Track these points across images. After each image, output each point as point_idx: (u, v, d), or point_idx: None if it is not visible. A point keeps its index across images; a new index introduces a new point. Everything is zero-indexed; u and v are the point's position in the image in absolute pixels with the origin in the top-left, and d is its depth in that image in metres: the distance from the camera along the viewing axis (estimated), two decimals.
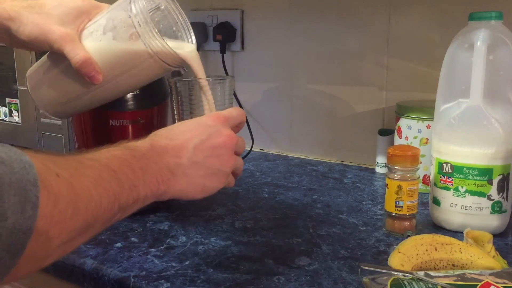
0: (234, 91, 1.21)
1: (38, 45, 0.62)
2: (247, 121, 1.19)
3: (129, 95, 0.79)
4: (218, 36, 1.19)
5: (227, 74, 1.21)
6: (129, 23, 0.60)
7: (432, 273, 0.52)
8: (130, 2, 0.60)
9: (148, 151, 0.50)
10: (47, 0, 0.62)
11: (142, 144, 0.51)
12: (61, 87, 0.67)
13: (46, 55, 0.68)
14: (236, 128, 0.59)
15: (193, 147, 0.53)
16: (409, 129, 0.89)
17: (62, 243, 0.39)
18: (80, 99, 0.67)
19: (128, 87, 0.68)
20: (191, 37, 0.67)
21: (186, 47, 0.65)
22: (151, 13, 0.63)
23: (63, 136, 1.05)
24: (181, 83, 0.66)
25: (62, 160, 0.42)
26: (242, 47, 1.21)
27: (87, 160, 0.44)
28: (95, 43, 0.61)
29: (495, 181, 0.68)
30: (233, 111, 0.59)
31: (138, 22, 0.60)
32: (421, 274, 0.52)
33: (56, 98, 0.68)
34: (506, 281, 0.51)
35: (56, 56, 0.64)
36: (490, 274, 0.52)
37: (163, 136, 0.53)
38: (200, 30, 1.23)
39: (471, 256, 0.58)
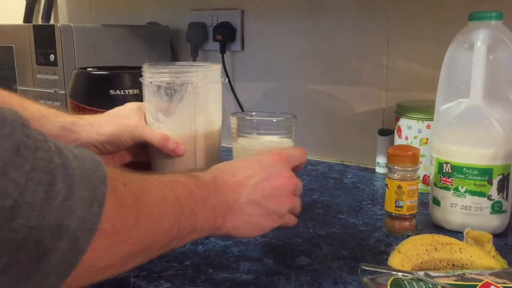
0: (236, 95, 1.21)
1: (119, 140, 0.67)
2: None
3: (129, 95, 0.79)
4: (218, 36, 1.19)
5: (227, 74, 1.21)
6: (154, 85, 0.69)
7: (432, 273, 0.52)
8: (143, 77, 0.71)
9: (210, 183, 0.51)
10: (110, 110, 0.70)
11: (205, 175, 0.52)
12: None
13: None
14: (296, 168, 0.60)
15: (253, 186, 0.53)
16: (409, 129, 0.89)
17: (120, 256, 0.39)
18: None
19: (208, 129, 0.72)
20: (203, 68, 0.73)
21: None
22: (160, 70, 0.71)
23: None
24: (243, 120, 0.71)
25: (129, 174, 0.43)
26: (242, 47, 1.21)
27: (153, 179, 0.46)
28: (154, 127, 0.70)
29: (495, 181, 0.68)
30: (296, 151, 0.60)
31: (152, 79, 0.69)
32: (421, 274, 0.52)
33: None
34: (506, 281, 0.51)
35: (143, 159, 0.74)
36: (490, 274, 0.52)
37: (225, 171, 0.54)
38: (200, 30, 1.23)
39: (471, 256, 0.58)
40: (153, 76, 0.70)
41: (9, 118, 0.32)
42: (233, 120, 0.70)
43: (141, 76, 0.72)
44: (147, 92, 0.71)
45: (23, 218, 0.31)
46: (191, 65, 0.77)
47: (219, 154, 0.76)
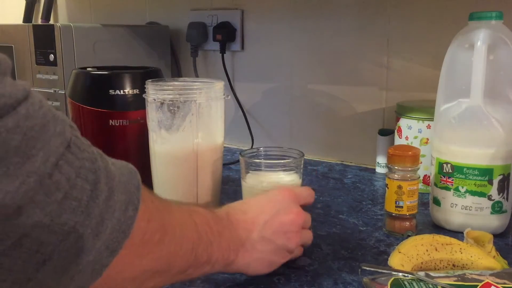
0: (236, 95, 1.21)
1: None
2: (247, 121, 1.19)
3: (129, 95, 0.79)
4: (218, 36, 1.19)
5: (227, 74, 1.21)
6: (157, 102, 0.71)
7: (432, 274, 0.52)
8: (146, 94, 0.73)
9: (224, 218, 0.53)
10: None
11: (219, 211, 0.54)
12: None
13: None
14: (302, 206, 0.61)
15: (263, 222, 0.54)
16: (410, 129, 0.89)
17: (144, 270, 0.40)
18: None
19: (210, 145, 0.74)
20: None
21: None
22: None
23: None
24: (251, 162, 0.71)
25: (154, 194, 0.45)
26: (242, 47, 1.21)
27: (174, 204, 0.47)
28: (157, 144, 0.73)
29: (496, 181, 0.68)
30: (304, 191, 0.62)
31: (155, 96, 0.71)
32: (421, 274, 0.52)
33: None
34: (506, 281, 0.51)
35: None
36: (491, 275, 0.52)
37: (236, 209, 0.56)
38: (200, 30, 1.23)
39: (471, 256, 0.58)
40: (156, 93, 0.71)
41: (60, 118, 0.34)
42: (242, 160, 0.71)
43: (145, 92, 0.73)
44: (150, 108, 0.72)
45: (70, 212, 0.32)
46: (194, 81, 0.78)
47: (221, 169, 0.76)
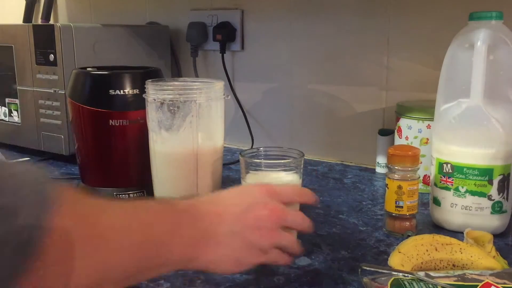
0: (236, 95, 1.21)
1: None
2: (247, 121, 1.19)
3: (129, 95, 0.79)
4: (218, 36, 1.19)
5: (227, 74, 1.21)
6: (157, 102, 0.71)
7: (432, 274, 0.52)
8: (146, 94, 0.74)
9: (186, 211, 0.49)
10: None
11: (181, 203, 0.50)
12: None
13: None
14: (286, 204, 0.55)
15: (234, 215, 0.50)
16: (410, 129, 0.89)
17: None
18: None
19: (210, 145, 0.74)
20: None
21: None
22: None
23: (63, 136, 1.04)
24: (251, 161, 0.70)
25: (88, 199, 0.40)
26: (242, 47, 1.21)
27: (116, 205, 0.44)
28: (157, 144, 0.74)
29: (496, 181, 0.68)
30: (287, 189, 0.57)
31: (155, 96, 0.71)
32: (421, 274, 0.52)
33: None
34: (506, 281, 0.51)
35: None
36: (491, 275, 0.52)
37: (206, 200, 0.52)
38: (200, 30, 1.23)
39: (471, 256, 0.58)
40: (156, 93, 0.71)
41: None
42: (242, 160, 0.71)
43: (145, 92, 0.73)
44: (150, 108, 0.72)
45: None
46: (194, 81, 0.78)
47: (221, 169, 0.76)
